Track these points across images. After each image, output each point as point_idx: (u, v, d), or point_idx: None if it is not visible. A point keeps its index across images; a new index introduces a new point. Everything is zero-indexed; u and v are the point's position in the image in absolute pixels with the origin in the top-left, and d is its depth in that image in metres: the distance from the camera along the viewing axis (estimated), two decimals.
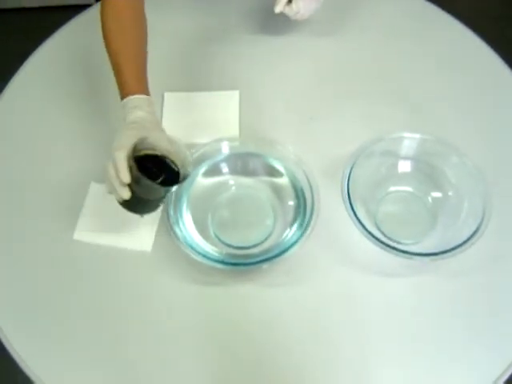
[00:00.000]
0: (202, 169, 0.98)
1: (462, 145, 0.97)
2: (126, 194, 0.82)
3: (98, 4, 1.25)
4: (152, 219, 0.96)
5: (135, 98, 0.89)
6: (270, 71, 1.17)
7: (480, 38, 1.22)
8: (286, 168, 0.98)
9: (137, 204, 0.87)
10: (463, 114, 1.11)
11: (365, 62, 1.19)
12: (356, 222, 0.89)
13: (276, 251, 0.89)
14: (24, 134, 1.10)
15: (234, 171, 1.00)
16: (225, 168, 1.00)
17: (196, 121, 1.07)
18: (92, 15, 1.25)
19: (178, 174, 0.86)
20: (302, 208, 0.93)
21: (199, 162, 0.97)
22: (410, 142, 0.99)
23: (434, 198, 0.98)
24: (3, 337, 0.89)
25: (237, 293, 0.92)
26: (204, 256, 0.88)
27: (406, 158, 1.00)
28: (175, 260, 0.93)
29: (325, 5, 1.12)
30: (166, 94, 1.11)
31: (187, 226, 0.93)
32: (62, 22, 1.26)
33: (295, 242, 0.88)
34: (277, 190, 0.99)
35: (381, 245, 0.87)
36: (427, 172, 0.99)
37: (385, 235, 0.94)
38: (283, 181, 0.99)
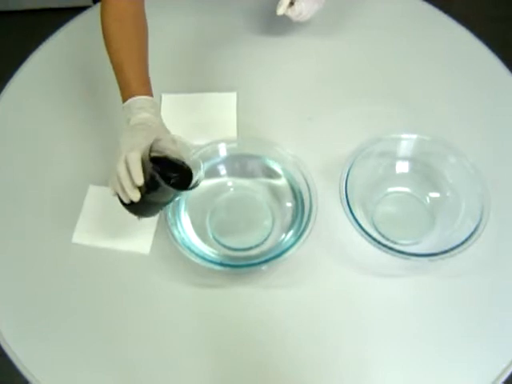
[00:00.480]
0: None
1: (460, 145, 0.97)
2: (136, 196, 0.81)
3: (97, 6, 1.25)
4: (150, 221, 0.96)
5: (140, 99, 0.89)
6: (267, 72, 1.17)
7: (477, 38, 1.22)
8: (284, 169, 0.98)
9: (143, 207, 0.85)
10: (461, 115, 1.11)
11: (363, 62, 1.19)
12: (354, 222, 0.89)
13: (274, 252, 0.89)
14: (22, 136, 1.10)
15: (231, 173, 1.00)
16: (223, 170, 1.00)
17: (194, 122, 1.07)
18: (90, 17, 1.26)
19: (186, 177, 0.85)
20: (300, 209, 0.93)
21: None
22: (407, 142, 0.99)
23: (431, 199, 0.98)
24: (1, 339, 0.89)
25: (235, 294, 0.92)
26: (202, 258, 0.88)
27: (403, 158, 1.00)
28: (173, 262, 0.93)
29: (324, 5, 1.12)
30: (164, 96, 1.11)
31: (185, 228, 0.93)
32: (61, 23, 1.26)
33: (293, 243, 0.88)
34: (275, 192, 0.99)
35: (379, 246, 0.87)
36: (425, 172, 0.99)
37: (383, 236, 0.94)
38: (281, 182, 0.99)
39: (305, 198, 0.93)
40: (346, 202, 0.91)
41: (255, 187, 1.00)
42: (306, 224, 0.89)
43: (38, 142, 1.09)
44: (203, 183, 0.85)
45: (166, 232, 0.90)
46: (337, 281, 0.93)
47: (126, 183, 0.80)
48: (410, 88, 1.15)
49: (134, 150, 0.81)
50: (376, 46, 1.21)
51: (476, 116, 1.11)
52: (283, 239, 0.92)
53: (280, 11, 1.07)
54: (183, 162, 0.86)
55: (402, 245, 0.93)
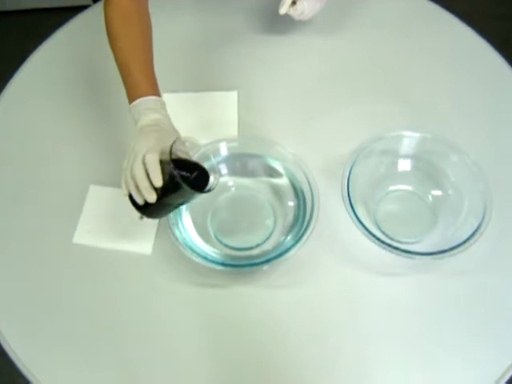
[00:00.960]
0: None
1: (462, 143, 0.97)
2: (153, 198, 0.80)
3: (97, 5, 1.26)
4: (151, 221, 0.95)
5: (150, 100, 0.88)
6: (268, 71, 1.17)
7: (480, 36, 1.22)
8: (285, 168, 0.98)
9: (156, 208, 0.85)
10: (464, 113, 1.10)
11: (365, 61, 1.18)
12: (356, 221, 0.89)
13: (276, 252, 0.88)
14: (22, 136, 1.10)
15: (233, 172, 1.00)
16: (224, 169, 1.00)
17: (194, 122, 1.07)
18: (90, 16, 1.27)
19: (201, 179, 0.85)
20: (302, 208, 0.93)
21: None
22: (409, 140, 0.99)
23: (434, 197, 0.98)
24: (2, 339, 0.89)
25: (237, 294, 0.92)
26: (204, 258, 0.87)
27: (405, 156, 1.00)
28: (175, 262, 0.93)
29: (326, 4, 1.12)
30: (165, 95, 1.09)
31: (187, 228, 0.92)
32: (61, 23, 1.26)
33: (295, 242, 0.88)
34: (276, 191, 0.99)
35: (381, 244, 0.87)
36: (427, 171, 0.99)
37: (385, 234, 0.93)
38: (283, 181, 0.98)
39: (306, 197, 0.93)
40: (347, 201, 0.90)
41: (256, 186, 1.00)
42: (308, 223, 0.89)
43: (38, 142, 1.09)
44: None
45: (167, 232, 0.89)
46: (339, 280, 0.93)
47: (144, 184, 0.80)
48: (412, 86, 1.14)
49: (152, 151, 0.80)
50: (378, 45, 1.20)
51: (478, 114, 1.11)
52: (285, 239, 0.92)
53: (282, 10, 1.07)
54: (201, 165, 0.86)
55: (404, 243, 0.92)
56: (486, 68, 1.18)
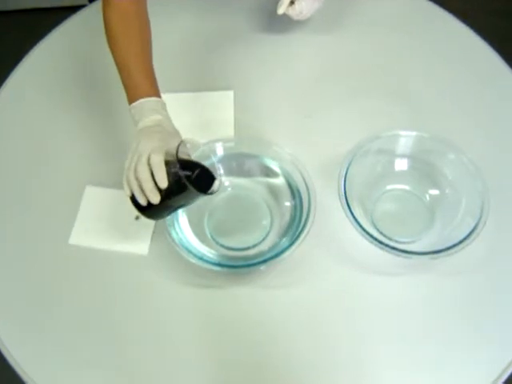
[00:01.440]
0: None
1: (459, 142, 0.97)
2: (157, 199, 0.80)
3: (94, 4, 1.25)
4: (148, 222, 0.95)
5: (151, 101, 0.88)
6: (265, 70, 1.16)
7: (476, 33, 1.22)
8: (281, 168, 0.98)
9: (158, 209, 0.85)
10: (460, 111, 1.10)
11: (362, 60, 1.18)
12: (353, 221, 0.88)
13: (273, 252, 0.88)
14: (18, 136, 1.10)
15: (229, 172, 1.00)
16: (220, 169, 0.99)
17: (190, 122, 1.07)
18: (86, 15, 1.26)
19: (204, 181, 0.85)
20: (299, 208, 0.93)
21: None
22: (406, 139, 0.98)
23: (431, 196, 0.98)
24: None
25: (234, 295, 0.91)
26: (200, 258, 0.87)
27: (402, 155, 1.00)
28: (172, 263, 0.92)
29: (324, 4, 1.12)
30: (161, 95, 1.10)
31: (183, 229, 0.92)
32: (59, 22, 1.26)
33: (292, 242, 0.87)
34: (273, 191, 0.99)
35: (378, 244, 0.87)
36: (424, 170, 0.99)
37: (382, 234, 0.93)
38: (279, 181, 0.98)
39: (303, 197, 0.93)
40: (344, 201, 0.90)
41: (253, 186, 1.00)
42: (305, 223, 0.89)
43: (34, 141, 1.09)
44: None
45: (163, 233, 0.89)
46: (336, 280, 0.93)
47: (148, 185, 0.80)
48: (409, 85, 1.14)
49: (156, 152, 0.80)
50: (374, 44, 1.20)
51: (475, 112, 1.10)
52: (281, 239, 0.91)
53: (280, 10, 1.07)
54: (204, 166, 0.86)
55: (401, 243, 0.92)
56: (482, 65, 1.17)
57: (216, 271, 0.87)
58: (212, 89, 1.12)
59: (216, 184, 0.85)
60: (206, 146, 0.97)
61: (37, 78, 1.18)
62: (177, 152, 0.79)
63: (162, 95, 1.05)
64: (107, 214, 0.98)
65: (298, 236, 0.88)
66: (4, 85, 1.16)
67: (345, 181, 0.92)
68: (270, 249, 0.91)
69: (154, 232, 0.96)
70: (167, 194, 0.81)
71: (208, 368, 0.86)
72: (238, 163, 1.00)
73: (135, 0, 0.95)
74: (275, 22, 1.21)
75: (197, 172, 0.85)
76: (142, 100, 0.88)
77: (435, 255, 0.86)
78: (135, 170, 0.81)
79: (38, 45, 1.23)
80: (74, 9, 1.29)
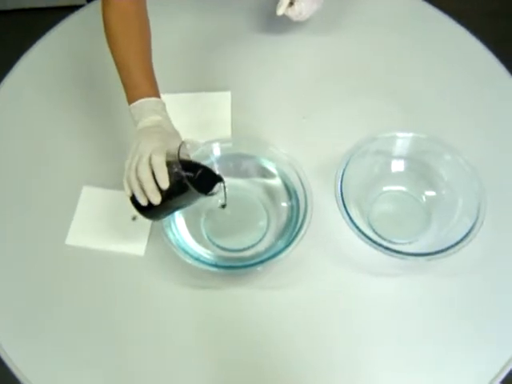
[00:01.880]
0: None
1: (455, 143, 0.97)
2: (158, 200, 0.80)
3: (92, 4, 1.25)
4: (145, 223, 0.95)
5: (151, 101, 0.88)
6: (263, 71, 1.16)
7: (473, 33, 1.22)
8: (278, 169, 0.98)
9: (158, 210, 0.85)
10: (457, 112, 1.10)
11: (359, 60, 1.18)
12: (349, 222, 0.88)
13: (270, 253, 0.88)
14: (16, 136, 1.10)
15: (226, 173, 0.99)
16: (217, 170, 0.99)
17: (187, 122, 1.06)
18: (84, 15, 1.26)
19: (204, 182, 0.85)
20: (295, 209, 0.93)
21: None
22: (403, 141, 0.98)
23: (427, 197, 0.98)
24: None
25: (231, 296, 0.91)
26: (197, 259, 0.87)
27: (399, 157, 1.00)
28: (168, 264, 0.92)
29: (323, 5, 1.12)
30: None
31: (180, 230, 0.92)
32: (56, 22, 1.26)
33: (289, 243, 0.87)
34: (270, 192, 0.99)
35: (374, 245, 0.87)
36: (421, 171, 0.99)
37: (378, 235, 0.93)
38: (276, 182, 0.98)
39: (300, 198, 0.93)
40: (341, 202, 0.90)
41: (250, 187, 1.00)
42: (301, 224, 0.89)
43: (33, 141, 1.09)
44: None
45: (160, 233, 0.89)
46: (332, 280, 0.93)
47: (149, 186, 0.80)
48: (407, 85, 1.14)
49: (158, 152, 0.80)
50: (373, 44, 1.20)
51: (471, 113, 1.10)
52: (278, 240, 0.91)
53: (280, 11, 1.07)
54: (206, 167, 0.87)
55: (398, 244, 0.92)
56: (478, 66, 1.17)
57: (213, 272, 0.87)
58: (211, 89, 1.12)
59: (217, 186, 0.86)
60: (203, 147, 0.97)
61: (35, 77, 1.18)
62: (178, 152, 0.79)
63: (161, 96, 1.06)
64: (104, 214, 0.98)
65: (295, 237, 0.88)
66: (2, 84, 1.16)
67: (341, 182, 0.92)
68: (267, 249, 0.91)
69: (150, 233, 0.96)
70: (168, 194, 0.81)
71: (206, 368, 0.86)
72: (235, 164, 1.00)
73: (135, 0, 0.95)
74: (274, 23, 1.21)
75: (198, 173, 0.85)
76: (141, 100, 0.88)
77: (432, 256, 0.86)
78: (136, 171, 0.81)
79: (36, 44, 1.23)
80: (72, 8, 1.29)
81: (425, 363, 0.86)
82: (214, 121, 1.08)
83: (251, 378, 0.86)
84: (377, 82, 1.15)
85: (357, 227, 0.88)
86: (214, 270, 0.87)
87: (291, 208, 0.94)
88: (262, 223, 0.96)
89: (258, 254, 0.91)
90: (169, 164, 0.80)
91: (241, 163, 1.00)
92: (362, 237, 0.87)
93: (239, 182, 1.00)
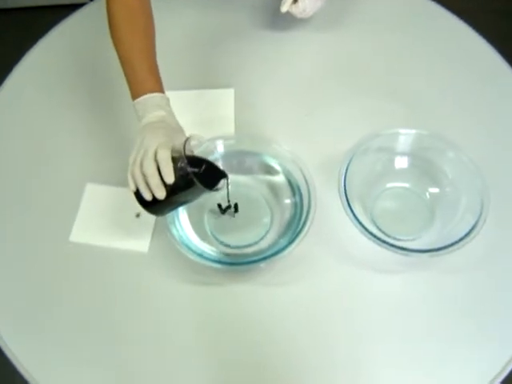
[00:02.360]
0: None
1: (459, 140, 0.97)
2: (163, 195, 0.80)
3: (92, 3, 1.25)
4: (149, 219, 0.95)
5: (156, 97, 0.88)
6: (266, 68, 1.16)
7: (477, 32, 1.22)
8: (282, 166, 0.98)
9: (163, 205, 0.84)
10: (460, 109, 1.10)
11: (363, 58, 1.18)
12: (353, 218, 0.88)
13: (273, 250, 0.88)
14: (18, 134, 1.10)
15: (229, 169, 0.99)
16: (220, 166, 0.99)
17: (190, 120, 1.05)
18: (86, 13, 1.26)
19: (209, 177, 0.85)
20: (299, 206, 0.93)
21: None
22: (406, 137, 0.98)
23: (431, 194, 0.98)
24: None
25: (234, 292, 0.91)
26: (201, 256, 0.87)
27: (402, 153, 1.00)
28: (172, 260, 0.92)
29: (327, 2, 1.12)
30: None
31: (184, 226, 0.92)
32: (59, 20, 1.26)
33: (292, 240, 0.87)
34: (273, 188, 0.99)
35: (378, 241, 0.87)
36: (424, 168, 0.99)
37: (382, 232, 0.93)
38: (279, 179, 0.98)
39: (303, 195, 0.93)
40: (344, 198, 0.90)
41: (253, 184, 1.00)
42: (305, 221, 0.89)
43: (34, 140, 1.09)
44: None
45: (164, 230, 0.89)
46: (335, 277, 0.93)
47: (154, 181, 0.80)
48: (410, 83, 1.14)
49: (163, 147, 0.80)
50: (376, 42, 1.20)
51: (475, 110, 1.10)
52: (282, 236, 0.91)
53: (284, 8, 1.08)
54: (211, 162, 0.87)
55: (401, 240, 0.92)
56: (482, 64, 1.17)
57: (216, 268, 0.87)
58: (214, 86, 1.12)
59: (222, 181, 0.86)
60: (207, 144, 0.97)
61: (37, 76, 1.18)
62: (184, 147, 0.79)
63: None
64: (108, 211, 0.98)
65: (298, 234, 0.88)
66: (4, 83, 1.16)
67: (345, 179, 0.92)
68: (270, 246, 0.91)
69: (154, 230, 0.96)
70: (173, 189, 0.81)
71: (207, 368, 0.86)
72: (239, 161, 1.00)
73: None
74: (278, 20, 1.21)
75: (203, 168, 0.85)
76: (146, 96, 0.88)
77: (435, 253, 0.86)
78: (141, 165, 0.81)
79: (38, 43, 1.23)
80: (73, 7, 1.29)
81: (427, 361, 0.86)
82: (217, 118, 1.08)
83: (252, 377, 0.86)
84: (379, 79, 1.15)
85: (360, 224, 0.88)
86: (218, 266, 0.87)
87: (295, 205, 0.94)
88: (266, 220, 0.96)
89: (261, 251, 0.91)
90: (174, 159, 0.80)
91: (244, 160, 1.00)
92: (366, 233, 0.87)
93: (243, 179, 1.00)
